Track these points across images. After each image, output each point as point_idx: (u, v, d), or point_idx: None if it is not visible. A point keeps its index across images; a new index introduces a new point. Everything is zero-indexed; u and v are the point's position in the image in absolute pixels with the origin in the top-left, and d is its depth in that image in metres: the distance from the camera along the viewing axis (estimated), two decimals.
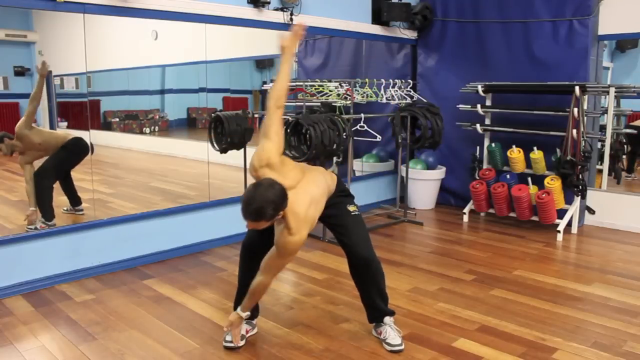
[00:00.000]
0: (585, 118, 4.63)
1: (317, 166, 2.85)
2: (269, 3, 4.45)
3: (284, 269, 3.87)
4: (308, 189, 2.47)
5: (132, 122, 5.05)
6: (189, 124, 5.44)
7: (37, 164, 4.00)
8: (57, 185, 4.06)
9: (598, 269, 3.95)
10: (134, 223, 3.96)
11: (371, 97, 5.01)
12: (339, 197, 2.70)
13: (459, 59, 5.70)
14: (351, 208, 2.73)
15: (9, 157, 4.15)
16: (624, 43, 6.77)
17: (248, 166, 2.43)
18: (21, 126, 3.89)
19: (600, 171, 5.25)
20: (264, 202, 2.20)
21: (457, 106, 5.46)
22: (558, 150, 4.81)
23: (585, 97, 4.63)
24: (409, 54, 6.03)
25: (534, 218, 4.95)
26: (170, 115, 5.27)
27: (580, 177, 4.68)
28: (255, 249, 2.72)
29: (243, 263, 2.77)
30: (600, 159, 5.28)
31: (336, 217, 2.68)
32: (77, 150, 4.06)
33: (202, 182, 4.57)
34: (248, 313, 2.65)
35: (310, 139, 4.04)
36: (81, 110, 4.10)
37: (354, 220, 2.70)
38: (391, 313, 2.81)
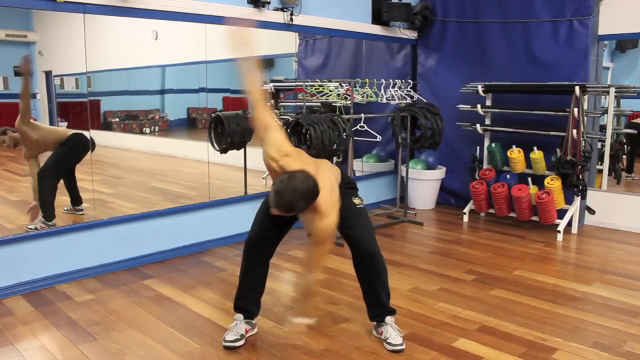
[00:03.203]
0: (585, 118, 4.63)
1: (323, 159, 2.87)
2: (269, 3, 4.45)
3: (284, 269, 3.88)
4: (327, 175, 2.52)
5: (132, 122, 5.05)
6: (189, 124, 5.45)
7: (42, 160, 4.00)
8: (59, 185, 4.06)
9: (598, 269, 3.95)
10: (134, 223, 3.96)
11: (371, 97, 5.01)
12: (345, 189, 2.71)
13: (459, 59, 5.70)
14: (356, 201, 2.74)
15: (9, 158, 4.16)
16: (624, 43, 6.77)
17: (266, 160, 2.45)
18: (19, 122, 3.90)
19: (600, 171, 5.25)
20: (298, 196, 2.24)
21: (457, 106, 5.46)
22: (558, 150, 4.81)
23: (585, 97, 4.63)
24: (409, 54, 6.03)
25: (534, 218, 4.95)
26: (170, 115, 5.28)
27: (580, 177, 4.68)
28: (260, 247, 2.72)
29: (246, 262, 2.76)
30: (600, 159, 5.28)
31: (341, 209, 2.68)
32: (77, 147, 4.04)
33: (202, 182, 4.57)
34: (309, 319, 2.66)
35: (310, 139, 4.04)
36: (81, 110, 4.10)
37: (359, 213, 2.71)
38: (393, 311, 2.81)
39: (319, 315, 3.11)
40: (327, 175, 2.53)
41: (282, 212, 2.30)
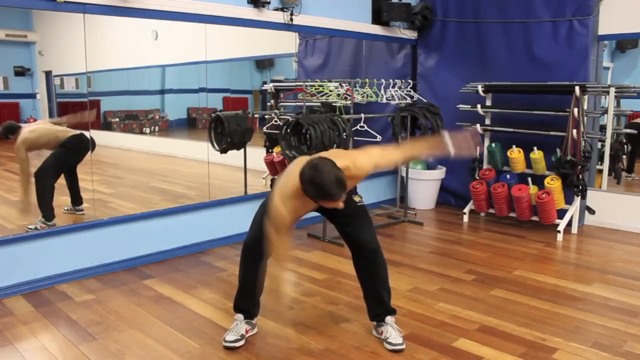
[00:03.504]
0: (585, 118, 4.63)
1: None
2: (269, 3, 4.45)
3: (285, 269, 3.87)
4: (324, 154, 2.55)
5: (132, 122, 5.05)
6: (189, 124, 5.44)
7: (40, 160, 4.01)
8: (58, 185, 4.06)
9: (598, 269, 3.95)
10: (134, 223, 3.96)
11: (371, 97, 5.00)
12: None
13: (459, 59, 5.70)
14: (356, 198, 2.74)
15: (9, 158, 4.16)
16: (624, 43, 6.77)
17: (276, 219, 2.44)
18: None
19: (600, 171, 5.25)
20: (333, 173, 2.24)
21: (457, 106, 5.46)
22: (558, 150, 4.81)
23: (585, 97, 4.63)
24: (409, 54, 6.03)
25: (534, 218, 4.95)
26: (170, 115, 5.27)
27: (580, 177, 4.68)
28: (258, 249, 2.71)
29: (245, 264, 2.76)
30: (600, 159, 5.28)
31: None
32: (77, 148, 4.04)
33: (202, 182, 4.57)
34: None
35: (310, 139, 4.04)
36: (81, 110, 4.10)
37: (358, 210, 2.70)
38: (393, 311, 2.81)
39: (319, 315, 3.12)
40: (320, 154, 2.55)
41: (341, 197, 2.29)
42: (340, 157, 2.43)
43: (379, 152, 2.60)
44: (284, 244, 2.51)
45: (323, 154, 2.50)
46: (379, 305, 2.78)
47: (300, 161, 2.46)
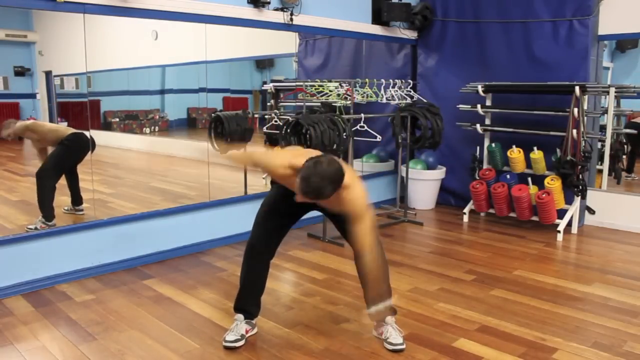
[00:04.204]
0: (585, 118, 4.63)
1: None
2: (269, 3, 4.45)
3: (284, 270, 3.88)
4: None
5: (132, 122, 5.05)
6: (189, 124, 5.44)
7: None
8: (58, 185, 4.06)
9: (598, 269, 3.95)
10: (134, 223, 3.96)
11: (371, 97, 5.01)
12: None
13: (459, 59, 5.70)
14: None
15: (9, 158, 4.16)
16: (624, 43, 6.77)
17: (273, 173, 2.44)
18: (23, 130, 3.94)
19: (600, 171, 5.25)
20: (326, 181, 2.23)
21: (457, 106, 5.46)
22: (558, 150, 4.81)
23: (585, 97, 4.63)
24: (409, 54, 6.03)
25: (534, 218, 4.95)
26: (170, 115, 5.28)
27: (580, 177, 4.68)
28: (261, 249, 2.71)
29: (247, 264, 2.76)
30: (600, 159, 5.28)
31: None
32: (76, 146, 4.04)
33: (202, 182, 4.57)
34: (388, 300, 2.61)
35: (310, 139, 4.04)
36: (81, 110, 4.10)
37: None
38: (394, 311, 2.81)
39: (319, 315, 3.12)
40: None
41: (309, 199, 2.28)
42: (349, 175, 2.40)
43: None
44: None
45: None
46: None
47: (310, 153, 2.47)
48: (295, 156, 2.42)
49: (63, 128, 4.13)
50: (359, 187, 2.42)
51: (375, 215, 5.22)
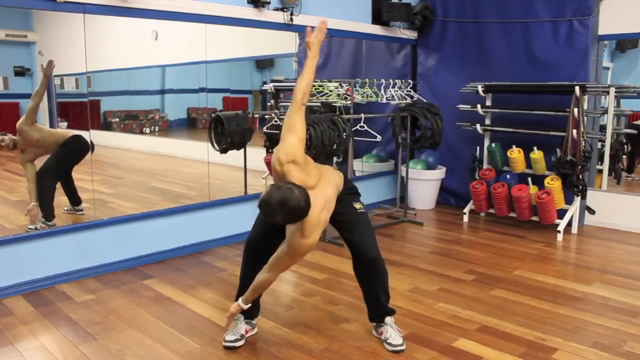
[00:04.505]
0: (585, 118, 4.63)
1: (326, 165, 2.84)
2: (269, 3, 4.45)
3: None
4: (325, 190, 2.46)
5: (132, 122, 5.05)
6: (189, 124, 5.44)
7: (38, 164, 4.00)
8: (58, 185, 4.06)
9: (598, 269, 3.95)
10: (134, 223, 3.96)
11: (371, 97, 5.01)
12: (346, 195, 2.70)
13: (459, 59, 5.70)
14: (357, 205, 2.73)
15: (9, 158, 4.16)
16: (624, 43, 6.76)
17: (273, 159, 2.40)
18: (22, 122, 3.90)
19: (600, 171, 5.25)
20: (282, 210, 2.20)
21: (457, 106, 5.46)
22: (558, 150, 4.81)
23: (585, 97, 4.63)
24: (409, 54, 6.03)
25: (534, 218, 4.95)
26: (170, 115, 5.27)
27: (580, 177, 4.68)
28: (260, 248, 2.71)
29: (246, 262, 2.76)
30: (600, 159, 5.27)
31: (342, 214, 2.67)
32: (77, 148, 4.04)
33: (202, 182, 4.57)
34: (249, 305, 2.63)
35: (310, 139, 4.04)
36: (81, 110, 4.10)
37: (359, 218, 2.70)
38: (393, 312, 2.81)
39: (319, 315, 3.12)
40: (325, 189, 2.47)
41: (261, 213, 2.31)
42: (310, 225, 2.36)
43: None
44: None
45: (321, 192, 2.44)
46: (377, 308, 2.79)
47: (312, 173, 2.44)
48: (297, 168, 2.37)
49: (62, 131, 4.13)
50: (312, 240, 2.37)
51: (375, 215, 5.21)
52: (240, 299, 2.62)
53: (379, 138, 4.92)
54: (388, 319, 2.77)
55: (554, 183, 4.75)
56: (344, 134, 4.26)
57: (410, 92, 5.40)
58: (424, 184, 5.78)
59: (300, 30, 4.90)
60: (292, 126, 2.40)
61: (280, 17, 4.57)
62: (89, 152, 4.01)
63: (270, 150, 5.20)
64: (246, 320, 2.79)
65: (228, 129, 4.34)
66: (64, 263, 3.61)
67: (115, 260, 3.85)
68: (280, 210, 2.20)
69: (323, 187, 2.46)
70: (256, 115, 5.07)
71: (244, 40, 5.00)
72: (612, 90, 4.78)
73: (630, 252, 4.37)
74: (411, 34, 5.87)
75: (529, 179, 4.96)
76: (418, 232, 5.01)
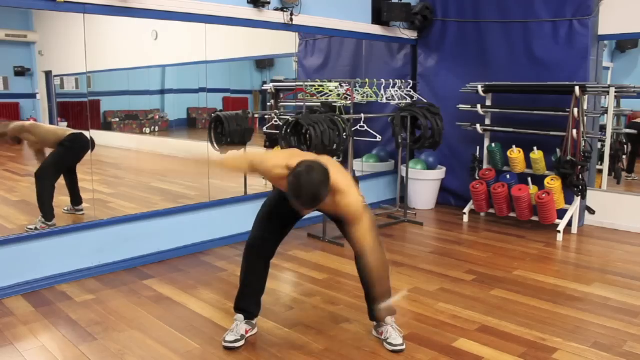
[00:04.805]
0: (585, 118, 4.63)
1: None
2: (269, 3, 4.45)
3: (284, 270, 3.88)
4: (327, 159, 2.54)
5: (132, 122, 5.05)
6: (189, 124, 5.44)
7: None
8: (58, 185, 4.05)
9: (598, 269, 3.95)
10: (134, 223, 3.96)
11: (371, 97, 5.01)
12: None
13: (459, 59, 5.70)
14: None
15: (9, 158, 4.16)
16: (624, 43, 6.77)
17: (270, 177, 2.47)
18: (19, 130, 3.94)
19: (600, 171, 5.25)
20: (316, 185, 2.23)
21: (457, 106, 5.46)
22: (558, 150, 4.81)
23: (585, 97, 4.63)
24: (409, 54, 6.03)
25: (534, 218, 4.95)
26: (170, 116, 5.27)
27: (580, 177, 4.68)
28: (261, 249, 2.71)
29: (247, 264, 2.76)
30: (600, 159, 5.28)
31: None
32: (76, 147, 4.03)
33: (202, 182, 4.57)
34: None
35: (310, 139, 4.04)
36: (81, 111, 4.10)
37: None
38: (393, 312, 2.81)
39: (319, 315, 3.12)
40: (327, 159, 2.55)
41: (311, 208, 2.33)
42: (342, 181, 2.41)
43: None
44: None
45: (331, 163, 2.49)
46: None
47: (305, 155, 2.48)
48: (291, 157, 2.44)
49: (62, 129, 4.13)
50: (353, 192, 2.42)
51: (374, 215, 5.21)
52: (383, 303, 2.52)
53: (379, 138, 4.92)
54: (388, 319, 2.77)
55: (554, 183, 4.75)
56: (344, 134, 4.26)
57: (410, 92, 5.40)
58: (424, 184, 5.78)
59: (301, 30, 4.91)
60: (247, 165, 2.68)
61: (280, 17, 4.57)
62: (89, 150, 4.00)
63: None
64: (246, 320, 2.79)
65: (228, 129, 4.34)
66: (64, 263, 3.61)
67: (115, 260, 3.85)
68: (317, 186, 2.23)
69: (322, 158, 2.52)
70: (256, 116, 5.08)
71: (244, 41, 5.00)
72: (612, 90, 4.78)
73: (630, 252, 4.37)
74: (411, 34, 5.87)
75: (529, 179, 4.96)
76: (418, 232, 5.01)
